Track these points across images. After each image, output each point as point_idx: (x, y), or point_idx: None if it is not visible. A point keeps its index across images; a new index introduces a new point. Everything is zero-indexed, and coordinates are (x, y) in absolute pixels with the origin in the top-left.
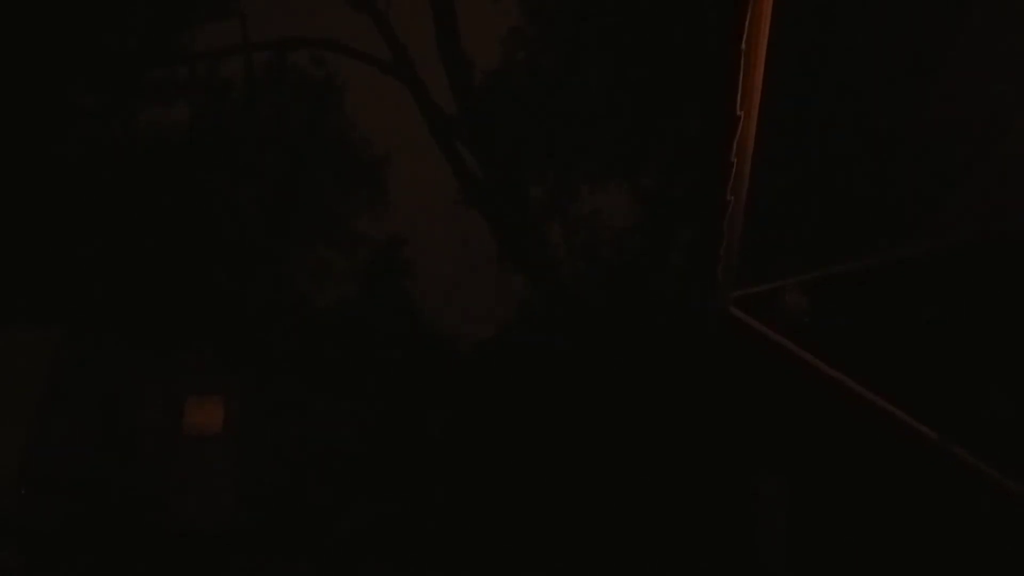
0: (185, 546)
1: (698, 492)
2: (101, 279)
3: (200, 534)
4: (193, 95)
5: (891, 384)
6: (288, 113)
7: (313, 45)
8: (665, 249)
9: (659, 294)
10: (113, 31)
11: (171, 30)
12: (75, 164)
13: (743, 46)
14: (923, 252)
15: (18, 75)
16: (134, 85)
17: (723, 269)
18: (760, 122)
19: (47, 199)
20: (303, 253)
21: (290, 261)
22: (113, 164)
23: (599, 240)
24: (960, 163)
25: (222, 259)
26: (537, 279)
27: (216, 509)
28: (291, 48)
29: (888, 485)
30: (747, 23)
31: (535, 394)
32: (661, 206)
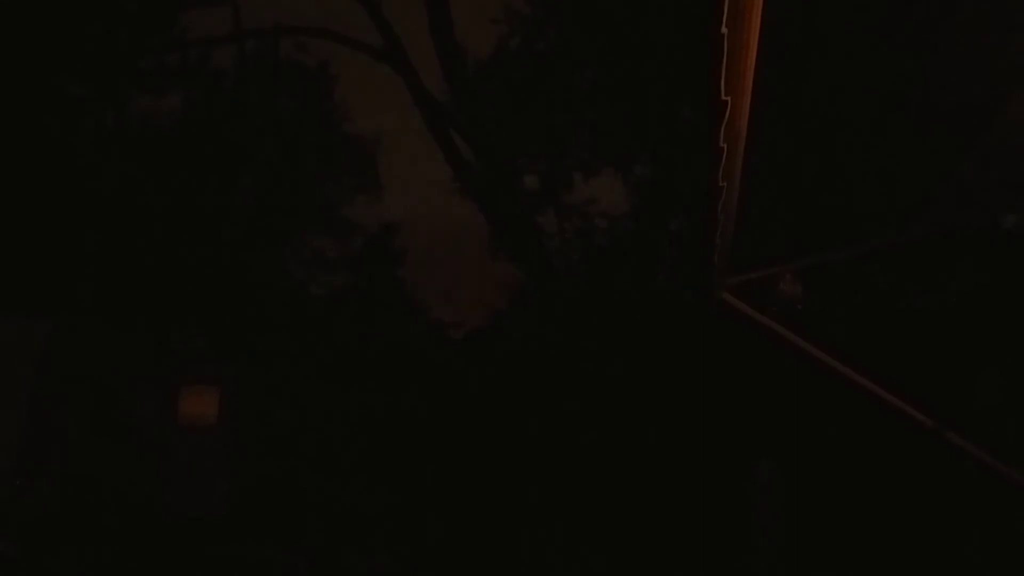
0: (179, 535)
1: (693, 479)
2: (96, 269)
3: (194, 523)
4: (186, 84)
5: (885, 370)
6: (281, 101)
7: (306, 33)
8: (659, 237)
9: (653, 281)
10: (105, 20)
11: (163, 18)
12: (68, 153)
13: (723, 29)
14: (916, 240)
15: (9, 65)
16: (126, 74)
17: (717, 256)
18: (754, 108)
19: (40, 189)
20: (297, 242)
21: (284, 250)
22: (106, 153)
23: (593, 228)
24: (954, 150)
25: (216, 248)
26: (531, 268)
27: (210, 498)
28: (284, 36)
29: (882, 471)
30: (725, 5)
31: (528, 382)
32: (655, 194)
